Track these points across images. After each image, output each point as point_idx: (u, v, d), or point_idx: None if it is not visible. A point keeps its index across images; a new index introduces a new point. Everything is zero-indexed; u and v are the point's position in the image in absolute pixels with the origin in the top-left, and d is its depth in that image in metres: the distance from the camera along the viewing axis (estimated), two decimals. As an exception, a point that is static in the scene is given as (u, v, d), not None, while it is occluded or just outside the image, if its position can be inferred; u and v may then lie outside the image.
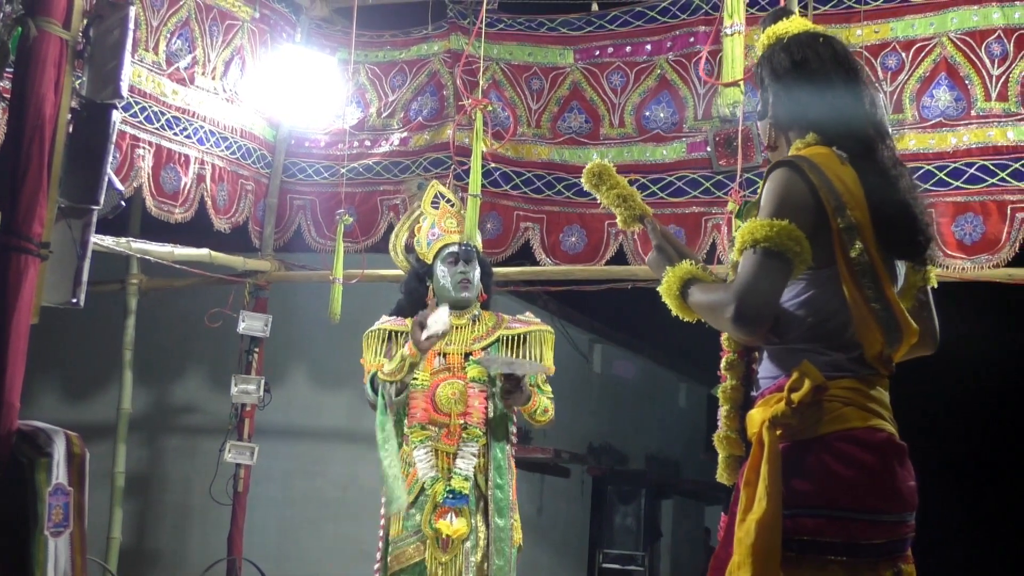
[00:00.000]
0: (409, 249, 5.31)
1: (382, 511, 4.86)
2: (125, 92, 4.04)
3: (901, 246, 2.72)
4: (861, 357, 2.65)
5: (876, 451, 2.59)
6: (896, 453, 2.63)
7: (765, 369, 2.76)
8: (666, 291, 2.81)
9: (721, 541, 2.75)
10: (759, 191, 2.76)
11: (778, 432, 2.57)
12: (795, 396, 2.55)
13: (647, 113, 6.95)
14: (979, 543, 14.77)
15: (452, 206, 5.22)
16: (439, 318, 4.58)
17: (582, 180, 3.09)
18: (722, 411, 2.91)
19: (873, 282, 2.63)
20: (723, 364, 2.94)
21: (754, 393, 2.79)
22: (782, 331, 2.68)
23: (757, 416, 2.65)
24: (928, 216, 2.76)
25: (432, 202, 5.24)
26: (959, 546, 13.80)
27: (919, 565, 2.68)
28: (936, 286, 2.90)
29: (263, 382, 7.56)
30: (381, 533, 4.88)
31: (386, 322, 5.07)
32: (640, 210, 3.03)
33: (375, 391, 4.88)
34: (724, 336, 2.94)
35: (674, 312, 2.83)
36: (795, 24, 2.90)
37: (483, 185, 5.89)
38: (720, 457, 2.88)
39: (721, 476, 2.89)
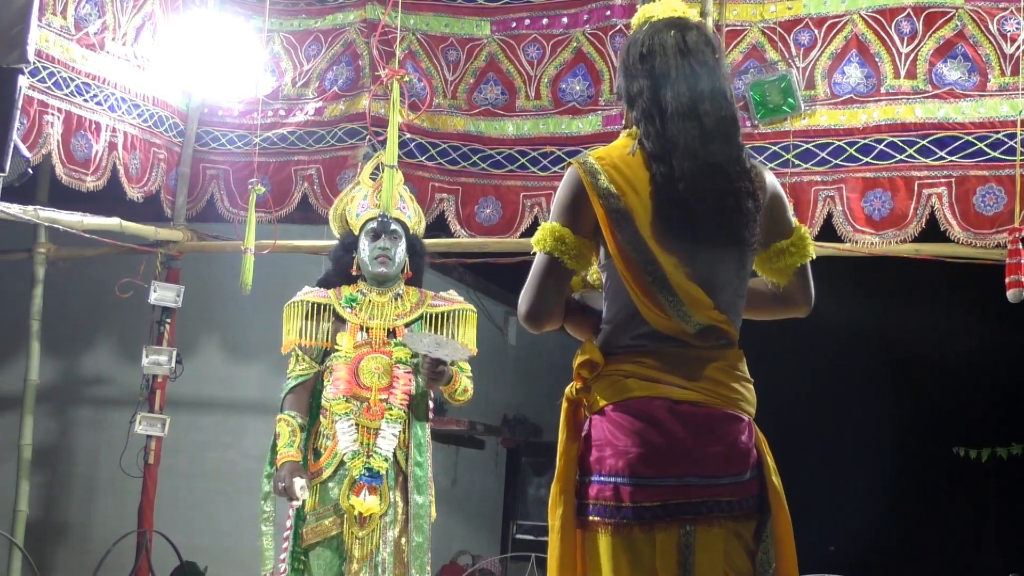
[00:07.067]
0: None
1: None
2: (32, 57, 3.96)
3: (682, 235, 2.71)
4: (657, 333, 2.73)
5: (649, 419, 2.69)
6: (683, 419, 2.69)
7: None
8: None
9: None
10: None
11: (586, 404, 2.82)
12: (583, 373, 2.79)
13: (563, 86, 6.96)
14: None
15: None
16: (302, 496, 4.76)
17: None
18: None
19: (648, 263, 2.69)
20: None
21: None
22: (605, 317, 2.84)
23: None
24: (725, 210, 2.72)
25: (372, 174, 5.24)
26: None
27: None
28: (806, 261, 2.91)
29: (175, 353, 7.48)
30: (293, 503, 4.88)
31: (308, 293, 5.05)
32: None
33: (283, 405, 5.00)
34: None
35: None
36: (663, 8, 2.85)
37: (398, 156, 5.87)
38: None
39: None
